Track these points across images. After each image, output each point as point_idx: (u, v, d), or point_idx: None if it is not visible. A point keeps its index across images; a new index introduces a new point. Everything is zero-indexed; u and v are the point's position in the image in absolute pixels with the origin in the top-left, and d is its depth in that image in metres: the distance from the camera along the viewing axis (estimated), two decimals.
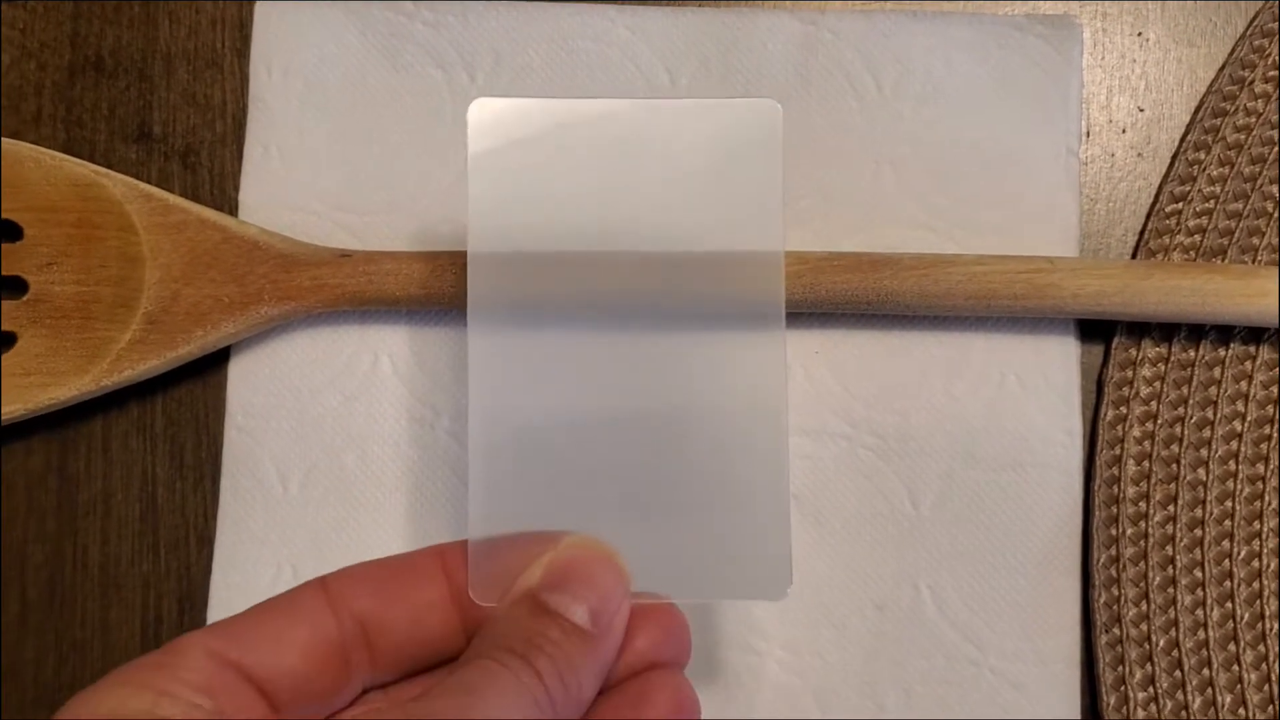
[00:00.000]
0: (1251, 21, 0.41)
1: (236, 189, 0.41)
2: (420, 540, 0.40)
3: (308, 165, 0.41)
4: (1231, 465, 0.39)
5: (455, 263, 0.39)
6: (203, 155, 0.42)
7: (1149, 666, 0.38)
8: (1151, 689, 0.38)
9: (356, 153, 0.41)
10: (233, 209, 0.41)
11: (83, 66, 0.42)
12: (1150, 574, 0.39)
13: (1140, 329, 0.40)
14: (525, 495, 0.33)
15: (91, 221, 0.39)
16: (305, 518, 0.39)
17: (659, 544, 0.33)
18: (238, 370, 0.40)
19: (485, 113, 0.34)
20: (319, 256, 0.39)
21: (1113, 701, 0.38)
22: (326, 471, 0.40)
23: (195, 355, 0.39)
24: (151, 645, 0.40)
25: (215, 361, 0.40)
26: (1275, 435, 0.39)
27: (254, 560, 0.39)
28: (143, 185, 0.40)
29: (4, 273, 0.39)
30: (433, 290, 0.39)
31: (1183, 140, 0.41)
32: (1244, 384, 0.39)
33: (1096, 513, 0.39)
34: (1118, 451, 0.39)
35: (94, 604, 0.40)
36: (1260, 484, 0.39)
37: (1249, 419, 0.39)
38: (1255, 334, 0.39)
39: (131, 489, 0.40)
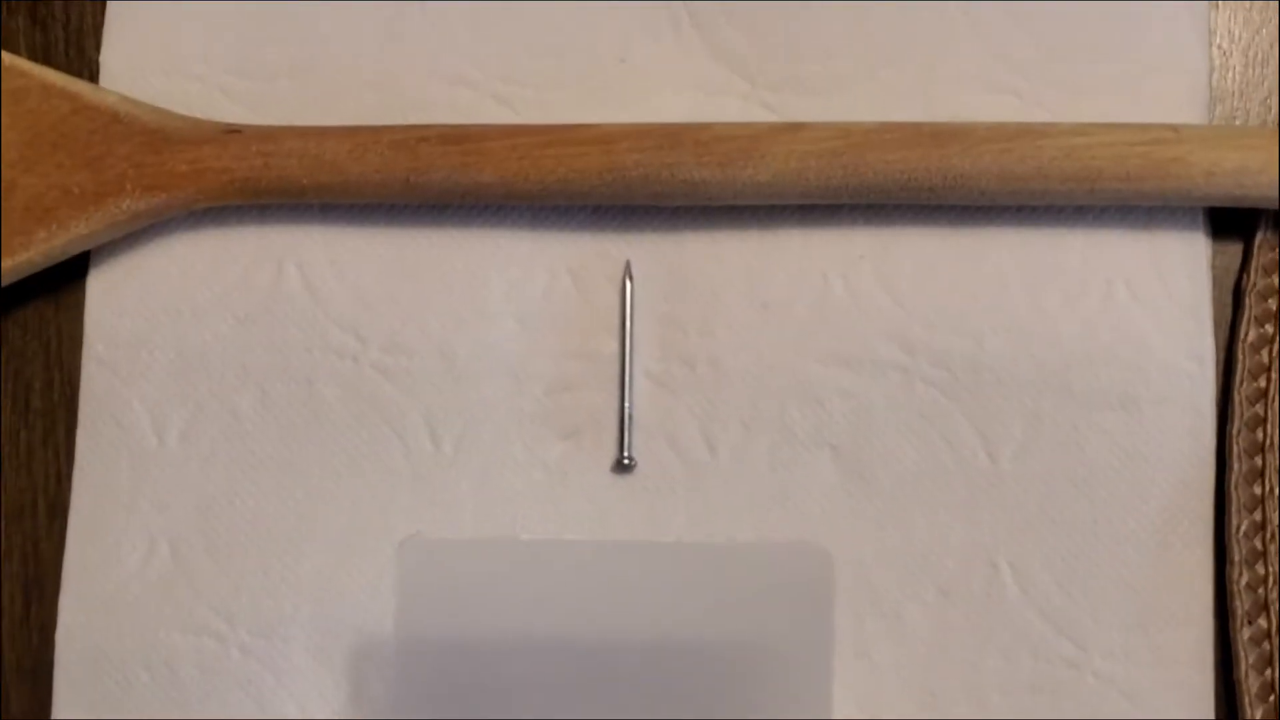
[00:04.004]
0: None
1: (98, 48, 0.39)
2: (337, 508, 0.37)
3: (189, 16, 0.39)
4: None
5: (381, 139, 0.36)
6: (56, 6, 0.39)
7: None
8: None
9: None
10: (93, 74, 0.39)
11: None
12: None
13: None
14: None
15: None
16: (187, 479, 0.37)
17: None
18: (98, 285, 0.38)
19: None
20: (199, 133, 0.36)
21: (1260, 715, 0.35)
22: (215, 418, 0.37)
23: (40, 265, 0.36)
24: None
25: (69, 274, 0.38)
26: None
27: (120, 534, 0.37)
28: None
29: None
30: (353, 176, 0.36)
31: None
32: None
33: (1235, 464, 0.36)
34: (1263, 384, 0.36)
35: None
36: None
37: None
38: None
39: None
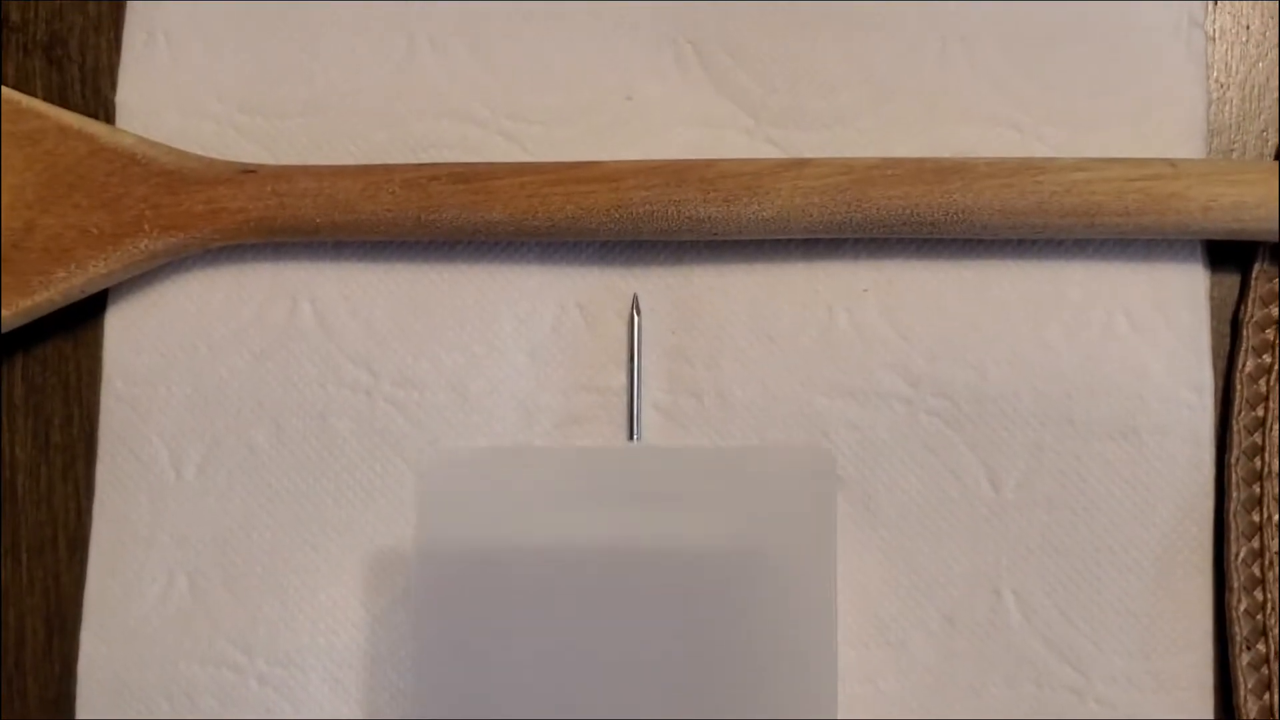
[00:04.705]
0: None
1: (114, 88, 0.39)
2: (351, 540, 0.37)
3: (204, 55, 0.39)
4: None
5: (393, 179, 0.36)
6: (71, 46, 0.39)
7: None
8: None
9: (267, 38, 0.39)
10: (109, 114, 0.38)
11: None
12: None
13: None
14: None
15: None
16: (205, 512, 0.37)
17: None
18: (117, 323, 0.38)
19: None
20: (215, 173, 0.36)
21: None
22: (232, 452, 0.37)
23: (59, 304, 0.36)
24: (12, 675, 0.36)
25: (88, 312, 0.38)
26: None
27: (140, 567, 0.37)
28: None
29: None
30: (366, 215, 0.36)
31: None
32: None
33: (1234, 492, 0.36)
34: (1261, 413, 0.36)
35: None
36: None
37: None
38: None
39: None
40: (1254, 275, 0.37)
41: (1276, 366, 0.36)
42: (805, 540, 0.34)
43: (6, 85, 0.37)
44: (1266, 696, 0.35)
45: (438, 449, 0.36)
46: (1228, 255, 0.37)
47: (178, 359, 0.37)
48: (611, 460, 0.35)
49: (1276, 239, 0.36)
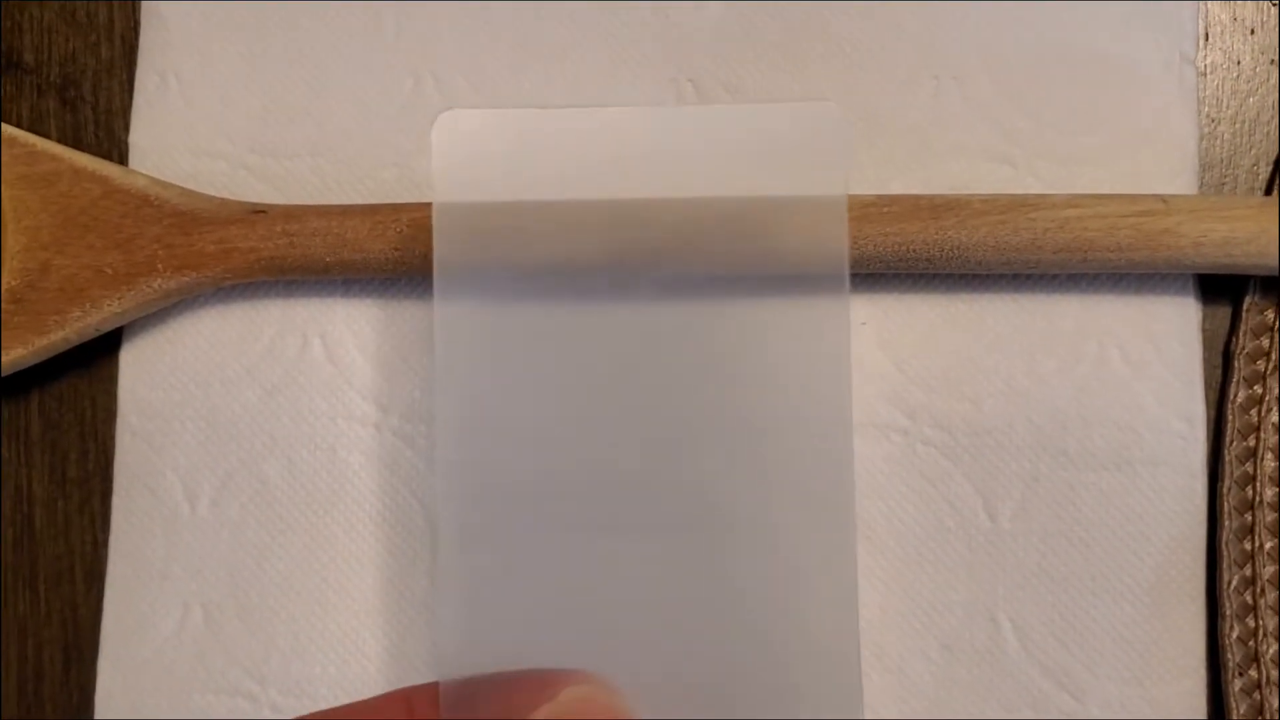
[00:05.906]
0: None
1: (127, 130, 0.38)
2: (362, 571, 0.37)
3: (215, 97, 0.38)
4: None
5: (401, 218, 0.36)
6: (85, 88, 0.39)
7: None
8: None
9: (276, 80, 0.38)
10: (123, 154, 0.38)
11: None
12: None
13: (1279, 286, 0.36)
14: (513, 603, 0.31)
15: None
16: (219, 544, 0.37)
17: (683, 667, 0.31)
18: (131, 360, 0.37)
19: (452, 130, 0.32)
20: (227, 213, 0.36)
21: None
22: (244, 485, 0.37)
23: (74, 342, 0.36)
24: (31, 704, 0.36)
25: (103, 350, 0.37)
26: None
27: (155, 599, 0.36)
28: (3, 127, 0.36)
29: None
30: (374, 253, 0.36)
31: None
32: None
33: (1226, 522, 0.36)
34: (1252, 443, 0.36)
35: None
36: None
37: None
38: None
39: (1, 511, 0.37)
40: (1245, 308, 0.36)
41: (1268, 397, 0.36)
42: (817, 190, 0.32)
43: (22, 127, 0.37)
44: None
45: (451, 112, 0.33)
46: (1220, 288, 0.36)
47: (191, 394, 0.37)
48: (624, 119, 0.34)
49: (1265, 274, 0.35)
